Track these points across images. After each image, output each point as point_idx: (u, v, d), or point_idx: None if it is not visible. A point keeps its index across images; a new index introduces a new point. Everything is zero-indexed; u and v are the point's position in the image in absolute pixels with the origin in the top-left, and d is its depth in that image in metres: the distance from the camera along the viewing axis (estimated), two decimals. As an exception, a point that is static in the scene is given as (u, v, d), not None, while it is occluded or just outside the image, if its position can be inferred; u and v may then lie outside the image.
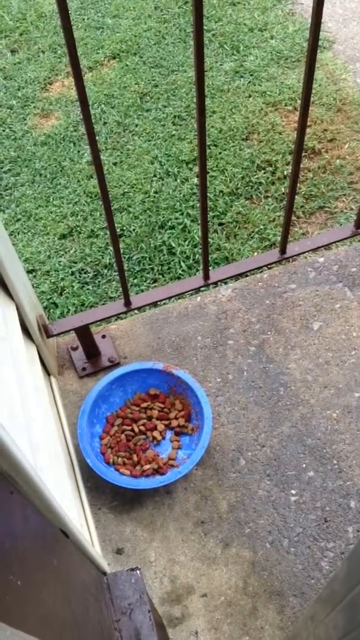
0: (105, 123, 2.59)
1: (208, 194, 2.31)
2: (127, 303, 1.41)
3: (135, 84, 2.74)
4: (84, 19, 3.10)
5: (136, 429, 1.42)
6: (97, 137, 2.52)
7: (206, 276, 1.45)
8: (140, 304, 1.42)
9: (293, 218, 2.19)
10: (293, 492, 1.35)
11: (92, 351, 1.53)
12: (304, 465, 1.37)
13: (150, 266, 2.09)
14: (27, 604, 0.63)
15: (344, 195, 2.26)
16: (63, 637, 0.75)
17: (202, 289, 1.58)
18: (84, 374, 1.53)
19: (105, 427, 1.43)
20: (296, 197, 2.23)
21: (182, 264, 2.09)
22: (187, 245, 2.13)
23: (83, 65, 2.85)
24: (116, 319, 1.68)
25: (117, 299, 1.91)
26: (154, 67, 2.81)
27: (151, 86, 2.72)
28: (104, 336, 1.59)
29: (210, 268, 1.46)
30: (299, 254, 1.51)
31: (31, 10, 3.22)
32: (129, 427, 1.42)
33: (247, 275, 1.72)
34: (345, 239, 1.55)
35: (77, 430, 1.37)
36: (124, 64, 2.84)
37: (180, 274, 2.05)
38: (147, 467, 1.36)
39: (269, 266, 1.64)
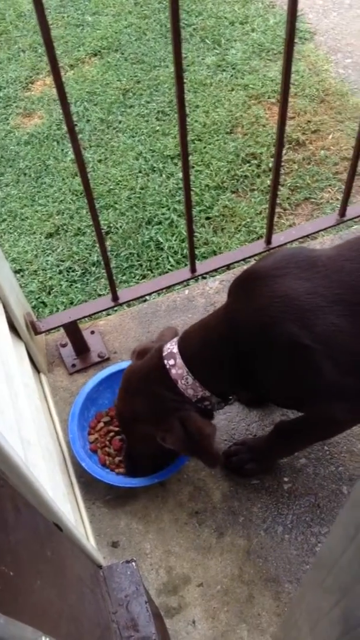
0: (88, 120, 2.59)
1: (194, 189, 2.32)
2: (115, 298, 1.41)
3: (118, 80, 2.74)
4: (63, 17, 3.10)
5: None
6: (80, 135, 2.53)
7: (193, 269, 1.46)
8: (127, 299, 1.43)
9: (279, 210, 2.20)
10: (286, 479, 1.36)
11: (81, 347, 1.54)
12: (296, 453, 1.38)
13: (139, 262, 2.10)
14: (20, 594, 0.63)
15: (330, 185, 2.27)
16: (59, 628, 0.76)
17: (189, 281, 1.58)
18: (74, 370, 1.53)
19: (92, 422, 1.43)
20: (282, 189, 2.24)
21: (170, 259, 2.09)
22: (175, 240, 2.13)
23: (64, 63, 2.84)
24: (105, 315, 1.68)
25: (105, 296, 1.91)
26: (136, 63, 2.81)
27: (133, 82, 2.72)
28: (92, 332, 1.59)
29: (197, 261, 1.47)
30: (284, 244, 1.52)
31: (10, 9, 3.21)
32: (118, 428, 1.40)
33: (234, 267, 1.73)
34: (330, 227, 1.56)
35: (69, 435, 1.37)
36: (106, 60, 2.84)
37: (169, 269, 2.06)
38: None
39: (255, 257, 1.64)
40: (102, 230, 2.16)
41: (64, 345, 1.56)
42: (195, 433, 1.15)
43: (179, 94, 1.06)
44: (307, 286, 1.04)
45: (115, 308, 1.51)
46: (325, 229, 1.56)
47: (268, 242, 1.50)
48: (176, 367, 1.14)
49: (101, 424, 1.42)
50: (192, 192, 2.24)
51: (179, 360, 1.15)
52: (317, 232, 1.57)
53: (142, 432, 1.22)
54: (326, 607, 0.48)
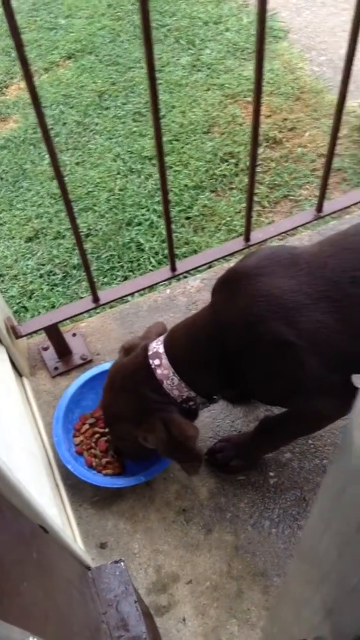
0: (64, 123, 2.58)
1: (173, 189, 2.33)
2: (95, 299, 1.41)
3: (93, 82, 2.73)
4: (36, 21, 3.09)
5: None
6: (57, 138, 2.52)
7: (173, 268, 1.46)
8: (108, 300, 1.43)
9: (259, 208, 2.21)
10: (271, 474, 1.37)
11: (63, 350, 1.53)
12: (281, 448, 1.39)
13: (120, 264, 2.10)
14: (5, 596, 0.63)
15: (308, 182, 2.29)
16: (47, 629, 0.76)
17: (170, 280, 1.59)
18: (57, 374, 1.53)
19: (77, 424, 1.43)
20: (260, 187, 2.25)
21: (151, 259, 2.09)
22: (156, 241, 2.13)
23: (38, 67, 2.83)
24: (88, 316, 1.68)
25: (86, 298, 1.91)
26: (111, 65, 2.81)
27: (109, 84, 2.72)
28: (74, 334, 1.59)
29: (178, 261, 1.47)
30: (263, 241, 1.53)
31: (-17, 14, 3.19)
32: (103, 430, 1.40)
33: (214, 265, 1.74)
34: (308, 223, 1.58)
35: (54, 438, 1.37)
36: (80, 63, 2.83)
37: (150, 269, 2.06)
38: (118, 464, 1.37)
39: (235, 255, 1.65)
40: (82, 233, 2.16)
41: (45, 349, 1.55)
42: (178, 435, 1.15)
43: (153, 96, 1.06)
44: (291, 284, 1.04)
45: (97, 310, 1.51)
46: (303, 225, 1.57)
47: (247, 239, 1.51)
48: (162, 367, 1.14)
49: (86, 426, 1.41)
50: (171, 193, 2.25)
51: (165, 361, 1.14)
52: (295, 228, 1.58)
53: (124, 430, 1.22)
54: (308, 596, 0.49)
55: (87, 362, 1.55)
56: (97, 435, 1.41)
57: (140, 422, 1.17)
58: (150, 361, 1.15)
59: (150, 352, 1.17)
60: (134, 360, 1.19)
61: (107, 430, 1.40)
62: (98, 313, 1.68)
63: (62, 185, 1.14)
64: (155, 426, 1.15)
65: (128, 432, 1.21)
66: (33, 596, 0.74)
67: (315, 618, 0.48)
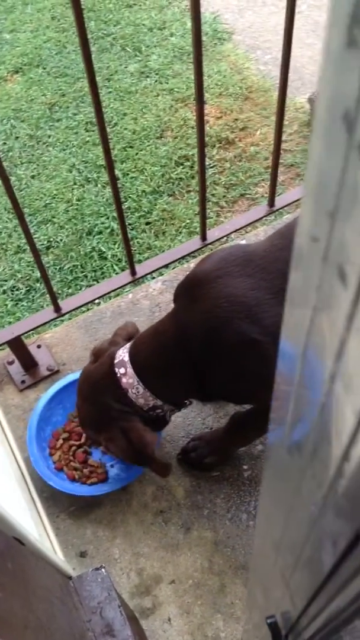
0: (17, 137, 2.57)
1: (131, 195, 2.35)
2: (57, 309, 1.41)
3: (42, 95, 2.73)
4: (-19, 37, 3.08)
5: (84, 439, 1.41)
6: (10, 153, 2.52)
7: (132, 272, 1.47)
8: (70, 308, 1.43)
9: (217, 209, 2.24)
10: (245, 467, 1.38)
11: (28, 363, 1.52)
12: (253, 441, 1.41)
13: (83, 273, 2.10)
14: (-22, 607, 0.63)
15: (263, 180, 2.32)
16: (26, 638, 0.76)
17: (131, 284, 1.60)
18: (24, 387, 1.52)
19: (51, 442, 1.42)
20: (217, 187, 2.28)
21: (114, 267, 2.10)
22: (118, 248, 2.14)
23: (-13, 83, 2.82)
24: (53, 326, 1.68)
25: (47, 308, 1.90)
26: (59, 77, 2.81)
27: (59, 96, 2.72)
28: (39, 346, 1.58)
29: (138, 265, 1.49)
30: (219, 239, 1.55)
31: None
32: (77, 442, 1.40)
33: (175, 267, 1.75)
34: (262, 218, 1.60)
35: (30, 458, 1.36)
36: (28, 77, 2.83)
37: (114, 277, 2.06)
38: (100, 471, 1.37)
39: (194, 254, 1.67)
40: (43, 245, 2.16)
41: (11, 363, 1.54)
42: (137, 442, 1.15)
43: (97, 105, 1.07)
44: (250, 282, 1.06)
45: (61, 319, 1.51)
46: (257, 220, 1.60)
47: (203, 238, 1.53)
48: (127, 376, 1.14)
49: (60, 441, 1.40)
50: (129, 199, 2.27)
51: (130, 370, 1.14)
52: (251, 224, 1.61)
53: (90, 435, 1.22)
54: (270, 571, 0.50)
55: (54, 373, 1.54)
56: (73, 448, 1.40)
57: (101, 431, 1.18)
58: (116, 369, 1.15)
59: (116, 360, 1.17)
60: (99, 369, 1.19)
61: (82, 441, 1.40)
62: (62, 322, 1.68)
63: (13, 199, 1.14)
64: (114, 435, 1.15)
65: (93, 438, 1.21)
66: (10, 606, 0.74)
67: (278, 591, 0.49)
